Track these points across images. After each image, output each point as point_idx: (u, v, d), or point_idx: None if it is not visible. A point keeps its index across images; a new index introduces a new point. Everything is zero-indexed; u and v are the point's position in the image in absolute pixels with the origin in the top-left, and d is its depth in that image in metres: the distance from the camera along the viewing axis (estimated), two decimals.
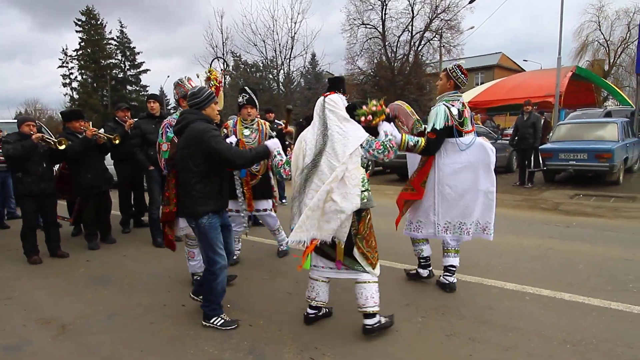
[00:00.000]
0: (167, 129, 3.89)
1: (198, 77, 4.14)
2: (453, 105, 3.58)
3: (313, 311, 3.20)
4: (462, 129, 3.59)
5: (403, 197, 3.83)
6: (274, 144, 3.28)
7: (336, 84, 3.19)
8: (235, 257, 4.53)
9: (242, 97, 4.46)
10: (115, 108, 6.42)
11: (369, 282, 2.96)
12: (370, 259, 2.97)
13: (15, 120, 6.46)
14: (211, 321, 3.21)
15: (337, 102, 3.04)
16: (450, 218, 3.65)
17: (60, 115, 5.93)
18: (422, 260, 3.95)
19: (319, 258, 3.08)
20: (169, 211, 3.53)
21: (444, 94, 3.70)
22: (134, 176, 6.19)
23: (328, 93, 3.11)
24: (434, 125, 3.51)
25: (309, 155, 2.97)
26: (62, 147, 4.90)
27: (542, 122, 9.80)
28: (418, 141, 3.46)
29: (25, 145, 4.68)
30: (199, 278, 3.67)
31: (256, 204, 4.48)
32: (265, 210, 4.62)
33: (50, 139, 4.97)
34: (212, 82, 4.02)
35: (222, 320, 3.22)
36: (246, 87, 4.54)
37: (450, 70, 3.65)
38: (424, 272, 3.96)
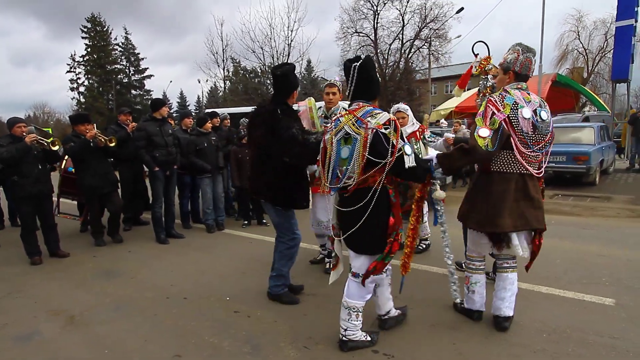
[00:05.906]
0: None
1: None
2: None
3: None
4: None
5: None
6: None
7: None
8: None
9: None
10: (118, 112, 6.40)
11: None
12: None
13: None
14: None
15: None
16: None
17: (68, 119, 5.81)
18: None
19: None
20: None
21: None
22: (135, 176, 6.20)
23: None
24: None
25: None
26: (56, 147, 4.64)
27: None
28: None
29: (19, 148, 4.42)
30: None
31: None
32: None
33: (43, 140, 4.65)
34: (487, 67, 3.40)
35: None
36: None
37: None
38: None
